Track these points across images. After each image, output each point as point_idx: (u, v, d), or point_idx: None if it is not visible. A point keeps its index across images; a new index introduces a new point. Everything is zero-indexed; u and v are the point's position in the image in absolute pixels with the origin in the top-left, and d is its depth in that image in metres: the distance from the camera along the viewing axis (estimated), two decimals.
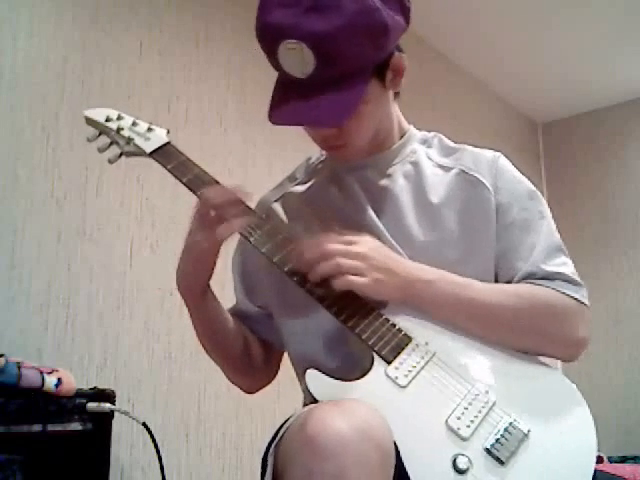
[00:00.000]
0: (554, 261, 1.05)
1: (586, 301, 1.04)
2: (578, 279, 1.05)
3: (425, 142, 1.17)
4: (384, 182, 1.11)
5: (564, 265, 1.06)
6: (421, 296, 0.98)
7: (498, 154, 1.14)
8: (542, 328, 1.01)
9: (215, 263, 1.04)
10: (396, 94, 1.12)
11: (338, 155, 1.10)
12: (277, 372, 1.21)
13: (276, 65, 1.00)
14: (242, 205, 1.01)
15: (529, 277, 1.04)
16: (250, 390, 1.20)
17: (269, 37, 0.97)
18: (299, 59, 0.95)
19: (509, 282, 1.05)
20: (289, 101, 0.99)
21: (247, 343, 1.15)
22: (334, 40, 0.94)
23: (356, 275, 0.95)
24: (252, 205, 1.15)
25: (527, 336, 1.01)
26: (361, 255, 0.96)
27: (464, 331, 0.99)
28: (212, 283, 1.09)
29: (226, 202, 0.98)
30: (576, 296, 1.03)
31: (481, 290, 1.01)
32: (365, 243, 0.99)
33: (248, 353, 1.14)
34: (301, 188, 1.18)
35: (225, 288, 1.18)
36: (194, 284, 1.05)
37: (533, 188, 1.12)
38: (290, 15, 0.94)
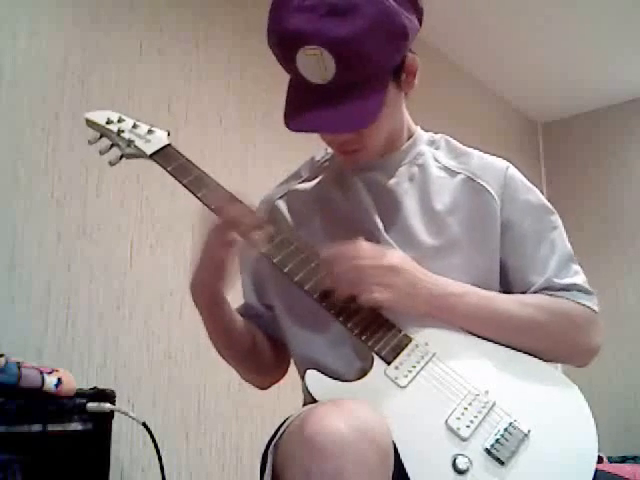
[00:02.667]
0: (568, 272, 1.06)
1: (597, 308, 1.05)
2: (589, 287, 1.07)
3: (433, 144, 1.17)
4: (390, 184, 1.10)
5: (577, 275, 1.07)
6: (451, 310, 0.99)
7: (507, 164, 1.14)
8: (564, 338, 1.03)
9: (230, 270, 1.04)
10: (406, 95, 1.11)
11: (352, 159, 1.10)
12: (288, 366, 1.21)
13: (292, 71, 0.98)
14: (258, 222, 1.01)
15: (545, 290, 1.05)
16: (263, 386, 1.21)
17: (288, 43, 0.96)
18: (319, 65, 0.94)
19: (523, 294, 1.06)
20: (309, 107, 0.98)
21: (257, 341, 1.15)
22: (355, 44, 0.93)
23: (385, 290, 0.95)
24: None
25: (549, 345, 1.02)
26: (391, 268, 0.97)
27: (485, 339, 0.99)
28: None
29: (244, 219, 0.99)
30: (590, 305, 1.04)
31: (507, 302, 1.02)
32: (394, 255, 0.99)
33: (258, 351, 1.15)
34: (306, 186, 1.17)
35: (233, 289, 1.18)
36: (213, 294, 1.05)
37: (543, 198, 1.12)
38: (309, 20, 0.93)
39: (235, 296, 1.18)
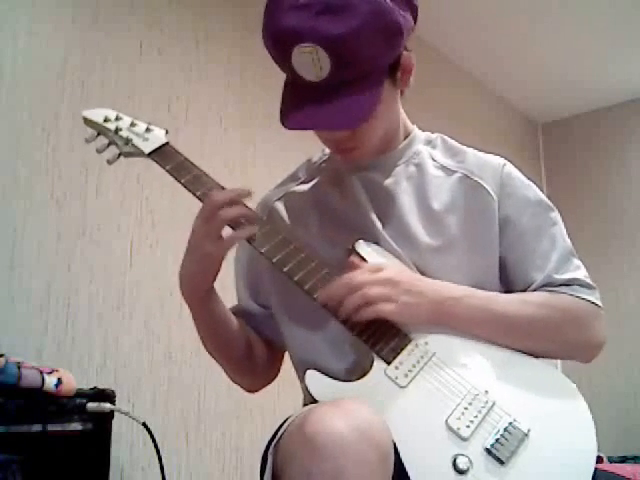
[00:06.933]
0: (569, 267, 1.06)
1: (600, 303, 1.05)
2: (591, 282, 1.06)
3: (429, 143, 1.16)
4: (387, 184, 1.10)
5: (578, 270, 1.07)
6: (452, 314, 0.99)
7: (504, 161, 1.14)
8: (568, 335, 1.02)
9: (221, 265, 1.02)
10: (401, 93, 1.11)
11: (348, 158, 1.10)
12: (279, 371, 1.21)
13: (288, 69, 0.98)
14: (247, 209, 1.00)
15: (546, 286, 1.04)
16: (252, 389, 1.20)
17: (283, 42, 0.96)
18: (314, 63, 0.94)
19: (524, 290, 1.06)
20: (304, 105, 0.98)
21: (249, 342, 1.14)
22: (350, 42, 0.93)
23: (387, 302, 0.95)
24: (253, 204, 1.15)
25: (554, 343, 1.02)
26: (388, 280, 0.96)
27: (489, 341, 0.99)
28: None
29: (231, 204, 0.97)
30: (592, 299, 1.04)
31: (508, 302, 1.02)
32: (390, 268, 0.99)
33: (250, 353, 1.14)
34: (303, 187, 1.17)
35: (225, 288, 1.18)
36: (200, 287, 1.04)
37: (541, 194, 1.12)
38: (303, 19, 0.93)
39: (228, 297, 1.18)
